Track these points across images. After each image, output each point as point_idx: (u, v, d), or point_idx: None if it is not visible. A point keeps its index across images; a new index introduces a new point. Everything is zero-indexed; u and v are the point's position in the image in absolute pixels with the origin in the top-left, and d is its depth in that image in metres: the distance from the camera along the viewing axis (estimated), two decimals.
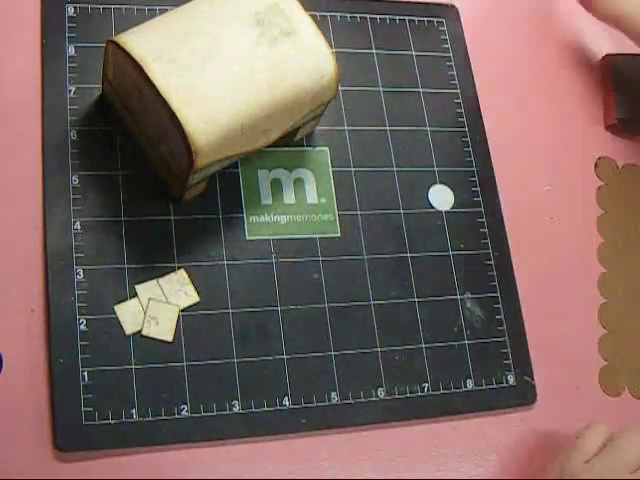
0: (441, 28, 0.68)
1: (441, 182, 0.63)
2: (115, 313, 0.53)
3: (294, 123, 0.56)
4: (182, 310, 0.54)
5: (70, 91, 0.57)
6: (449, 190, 0.63)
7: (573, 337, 0.62)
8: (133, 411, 0.51)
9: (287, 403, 0.54)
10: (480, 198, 0.63)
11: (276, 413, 0.53)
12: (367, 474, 0.54)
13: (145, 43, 0.50)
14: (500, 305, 0.60)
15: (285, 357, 0.55)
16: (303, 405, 0.54)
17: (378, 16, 0.66)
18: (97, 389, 0.51)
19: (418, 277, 0.59)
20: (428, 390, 0.57)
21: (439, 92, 0.66)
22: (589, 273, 0.64)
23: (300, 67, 0.53)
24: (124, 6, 0.60)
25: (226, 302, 0.55)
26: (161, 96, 0.49)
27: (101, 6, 0.60)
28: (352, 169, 0.61)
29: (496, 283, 0.61)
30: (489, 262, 0.61)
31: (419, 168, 0.63)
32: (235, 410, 0.53)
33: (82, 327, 0.52)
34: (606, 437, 0.55)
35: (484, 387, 0.58)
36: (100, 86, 0.57)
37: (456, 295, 0.60)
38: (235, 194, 0.58)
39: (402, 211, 0.61)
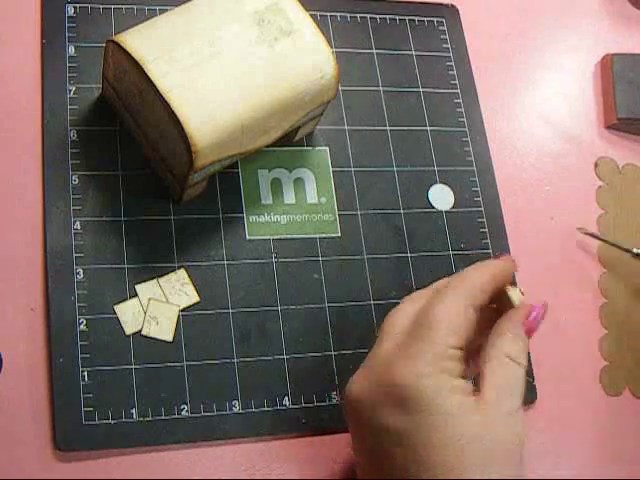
0: (441, 28, 0.68)
1: (441, 182, 0.63)
2: (115, 313, 0.53)
3: (294, 123, 0.56)
4: (182, 310, 0.54)
5: (70, 91, 0.57)
6: (449, 190, 0.63)
7: (573, 337, 0.62)
8: (133, 411, 0.51)
9: (287, 403, 0.54)
10: (480, 198, 0.63)
11: (276, 413, 0.53)
12: None
13: (145, 43, 0.50)
14: None
15: (285, 357, 0.55)
16: (303, 405, 0.54)
17: (378, 16, 0.66)
18: (97, 389, 0.51)
19: (418, 277, 0.59)
20: None
21: (439, 92, 0.66)
22: (589, 273, 0.64)
23: (300, 67, 0.53)
24: (124, 6, 0.60)
25: (226, 302, 0.55)
26: (161, 96, 0.49)
27: (101, 6, 0.60)
28: (352, 169, 0.61)
29: None
30: None
31: (419, 168, 0.63)
32: (235, 410, 0.53)
33: (82, 327, 0.52)
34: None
35: None
36: (100, 86, 0.57)
37: None
38: (235, 194, 0.58)
39: (402, 211, 0.61)
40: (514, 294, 0.49)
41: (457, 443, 0.43)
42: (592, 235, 0.64)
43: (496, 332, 0.47)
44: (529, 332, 0.47)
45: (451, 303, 0.46)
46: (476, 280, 0.47)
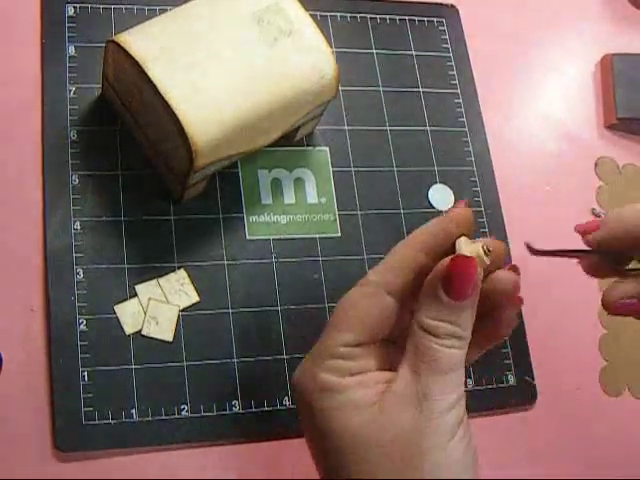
0: (441, 28, 0.68)
1: (441, 182, 0.63)
2: (115, 313, 0.53)
3: (294, 123, 0.56)
4: (182, 310, 0.54)
5: (70, 91, 0.57)
6: (449, 190, 0.63)
7: (573, 337, 0.62)
8: (133, 411, 0.51)
9: (287, 403, 0.54)
10: (480, 198, 0.63)
11: (276, 413, 0.53)
12: None
13: (145, 43, 0.50)
14: None
15: (285, 357, 0.55)
16: None
17: (378, 16, 0.66)
18: (97, 389, 0.51)
19: None
20: None
21: (439, 92, 0.66)
22: None
23: (300, 67, 0.53)
24: (124, 6, 0.60)
25: (226, 302, 0.55)
26: (161, 96, 0.49)
27: (101, 6, 0.60)
28: (352, 169, 0.61)
29: None
30: None
31: (419, 168, 0.63)
32: (235, 410, 0.53)
33: (82, 327, 0.52)
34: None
35: (484, 387, 0.58)
36: (100, 86, 0.57)
37: None
38: (235, 194, 0.58)
39: (402, 211, 0.61)
40: (466, 247, 0.40)
41: (342, 441, 0.38)
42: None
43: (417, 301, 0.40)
44: (458, 292, 0.38)
45: (356, 292, 0.41)
46: (398, 257, 0.42)
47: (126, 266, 0.54)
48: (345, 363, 0.40)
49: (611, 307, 0.44)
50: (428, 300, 0.39)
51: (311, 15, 0.54)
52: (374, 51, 0.65)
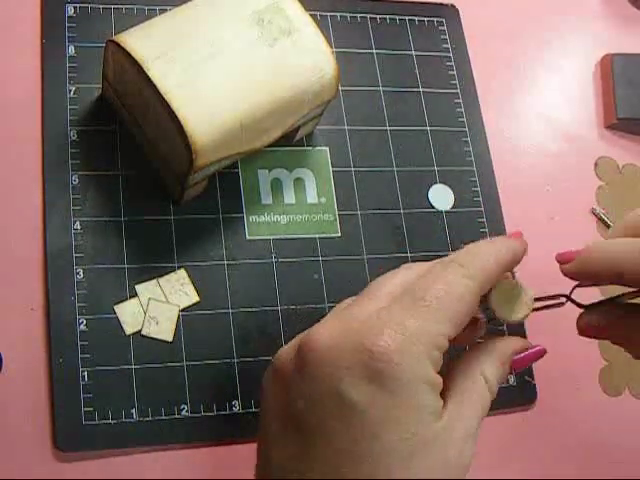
0: (441, 28, 0.68)
1: (441, 182, 0.63)
2: (115, 313, 0.53)
3: (294, 122, 0.56)
4: (182, 310, 0.54)
5: (70, 91, 0.57)
6: (449, 190, 0.63)
7: (573, 337, 0.62)
8: (133, 411, 0.51)
9: None
10: (480, 198, 0.63)
11: None
12: None
13: (145, 43, 0.50)
14: None
15: None
16: None
17: (378, 16, 0.66)
18: (97, 389, 0.51)
19: None
20: None
21: (439, 92, 0.66)
22: None
23: (300, 66, 0.53)
24: (124, 6, 0.60)
25: (226, 302, 0.55)
26: (161, 96, 0.49)
27: (101, 6, 0.60)
28: (352, 169, 0.61)
29: None
30: None
31: (419, 168, 0.63)
32: (235, 410, 0.53)
33: (82, 327, 0.52)
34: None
35: None
36: (100, 86, 0.57)
37: None
38: (235, 194, 0.58)
39: (402, 211, 0.61)
40: (528, 292, 0.45)
41: (406, 443, 0.36)
42: (603, 222, 0.65)
43: (485, 349, 0.42)
44: (512, 366, 0.43)
45: (458, 284, 0.39)
46: (489, 262, 0.41)
47: (126, 266, 0.54)
48: (441, 358, 0.38)
49: (583, 331, 0.49)
50: (499, 362, 0.42)
51: (311, 15, 0.54)
52: (374, 51, 0.65)
